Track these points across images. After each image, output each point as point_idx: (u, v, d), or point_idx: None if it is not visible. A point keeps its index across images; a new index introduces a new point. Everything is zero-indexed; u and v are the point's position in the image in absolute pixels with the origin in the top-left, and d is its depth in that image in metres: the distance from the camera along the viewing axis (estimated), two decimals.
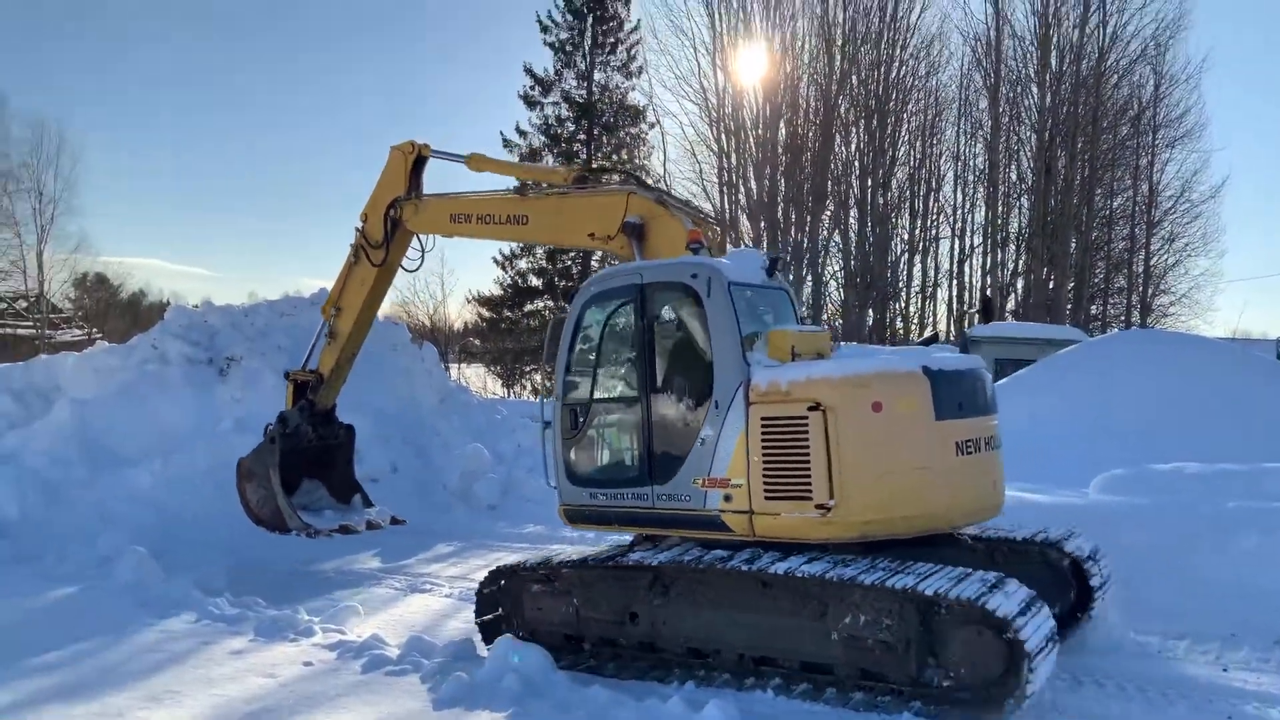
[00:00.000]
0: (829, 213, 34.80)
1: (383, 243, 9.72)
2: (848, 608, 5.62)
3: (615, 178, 8.64)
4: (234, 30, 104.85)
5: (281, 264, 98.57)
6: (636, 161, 38.19)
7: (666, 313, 6.82)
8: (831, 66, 35.12)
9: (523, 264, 36.82)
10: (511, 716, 5.58)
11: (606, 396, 7.07)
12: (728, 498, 6.19)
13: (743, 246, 7.40)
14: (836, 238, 35.13)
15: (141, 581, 8.95)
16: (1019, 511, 7.73)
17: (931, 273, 41.67)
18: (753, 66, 34.78)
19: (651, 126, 37.64)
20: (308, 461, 10.39)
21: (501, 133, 37.47)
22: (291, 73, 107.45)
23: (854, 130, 36.15)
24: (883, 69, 36.03)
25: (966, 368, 6.34)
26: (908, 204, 37.94)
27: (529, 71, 37.16)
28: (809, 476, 5.84)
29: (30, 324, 35.35)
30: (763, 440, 6.02)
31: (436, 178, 9.97)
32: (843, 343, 7.15)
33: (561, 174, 8.67)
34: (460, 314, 44.09)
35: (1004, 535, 6.75)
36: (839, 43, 35.20)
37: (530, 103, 37.29)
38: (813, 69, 35.56)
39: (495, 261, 36.92)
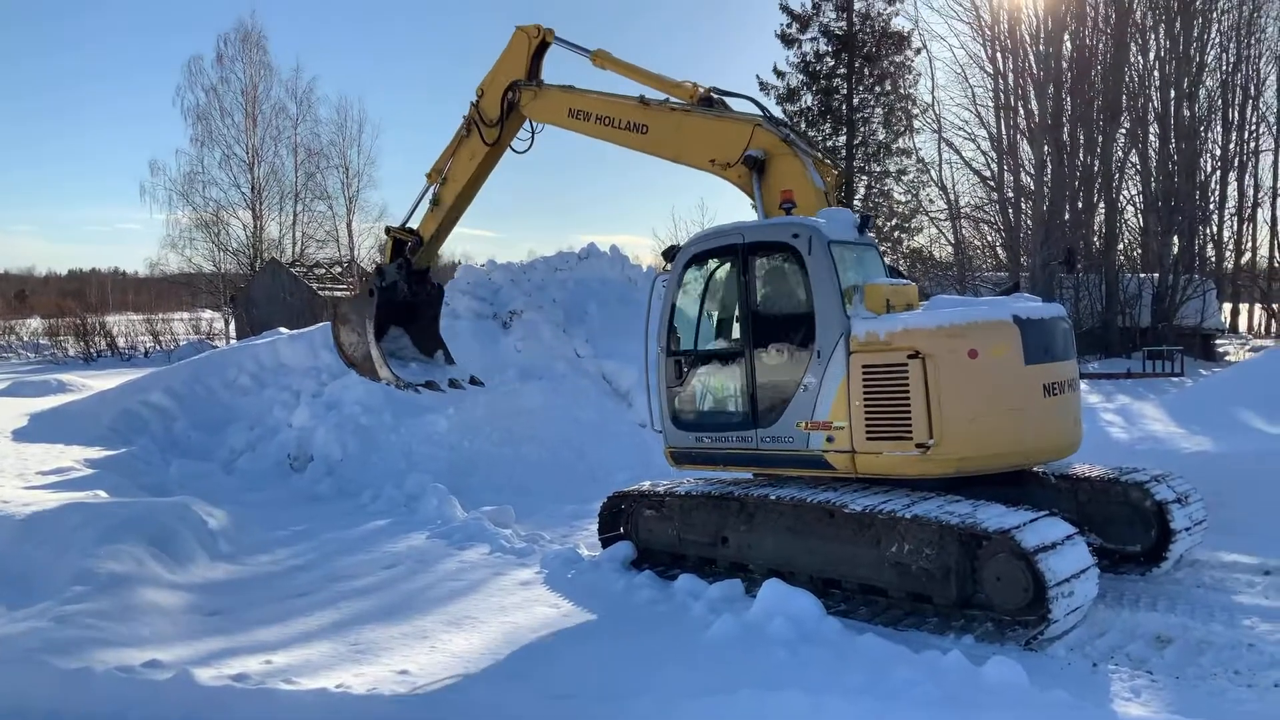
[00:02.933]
0: (1124, 130, 31.30)
1: (497, 122, 9.69)
2: (895, 537, 6.26)
3: (743, 105, 8.22)
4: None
5: (555, 224, 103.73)
6: (901, 90, 36.37)
7: (768, 270, 7.23)
8: None
9: None
10: (788, 661, 5.56)
11: (710, 348, 7.62)
12: (830, 439, 6.75)
13: (839, 206, 7.12)
14: (1134, 158, 31.60)
15: (443, 516, 9.83)
16: None
17: (1250, 191, 36.78)
18: None
19: (917, 52, 35.51)
20: (397, 313, 10.55)
21: (757, 75, 36.99)
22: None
23: (1152, 37, 32.18)
24: None
25: (1050, 315, 6.77)
26: (1220, 115, 33.47)
27: (785, 9, 36.27)
28: (909, 418, 6.35)
29: (345, 287, 39.44)
30: (864, 386, 6.55)
31: (559, 68, 9.87)
32: (934, 295, 7.46)
33: (688, 89, 8.37)
34: None
35: (1086, 475, 7.17)
36: None
37: (788, 41, 36.42)
38: None
39: None
